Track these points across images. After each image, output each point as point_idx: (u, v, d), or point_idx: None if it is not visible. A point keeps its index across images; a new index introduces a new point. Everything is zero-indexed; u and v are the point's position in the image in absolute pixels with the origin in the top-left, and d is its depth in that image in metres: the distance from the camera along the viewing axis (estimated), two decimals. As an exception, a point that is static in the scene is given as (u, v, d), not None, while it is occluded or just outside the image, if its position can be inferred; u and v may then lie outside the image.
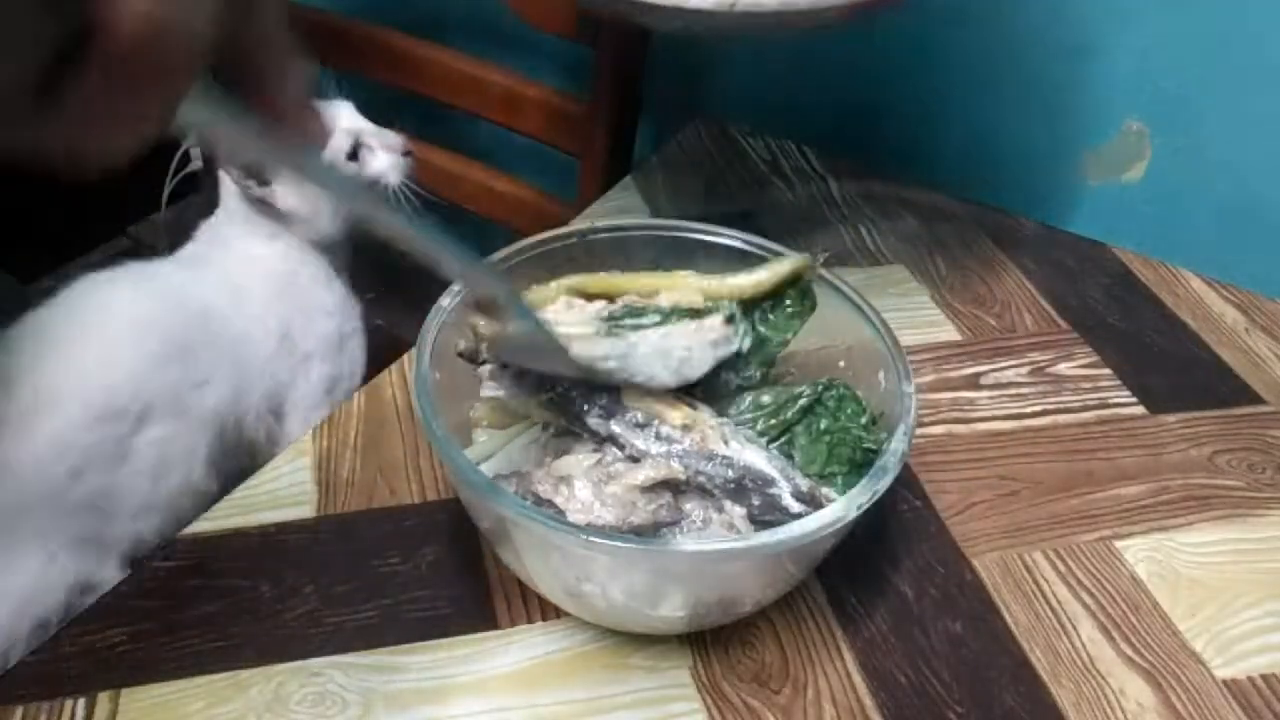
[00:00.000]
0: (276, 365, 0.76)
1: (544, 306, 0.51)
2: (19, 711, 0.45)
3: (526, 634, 0.49)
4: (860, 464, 0.48)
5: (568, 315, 0.49)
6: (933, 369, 0.66)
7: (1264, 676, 0.49)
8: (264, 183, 0.76)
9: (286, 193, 0.76)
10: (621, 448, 0.46)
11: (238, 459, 0.74)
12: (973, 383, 0.66)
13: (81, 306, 0.70)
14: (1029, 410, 0.64)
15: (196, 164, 1.47)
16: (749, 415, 0.50)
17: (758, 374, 0.52)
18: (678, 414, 0.46)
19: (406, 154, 0.79)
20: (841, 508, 0.42)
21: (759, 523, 0.45)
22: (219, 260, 0.77)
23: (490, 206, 0.98)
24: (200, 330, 0.72)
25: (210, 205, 0.82)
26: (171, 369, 0.69)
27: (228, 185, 0.78)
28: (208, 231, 0.80)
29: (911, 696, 0.48)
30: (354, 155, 0.78)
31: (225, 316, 0.74)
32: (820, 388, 0.51)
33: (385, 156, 0.79)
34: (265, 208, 0.77)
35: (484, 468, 0.47)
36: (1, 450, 0.63)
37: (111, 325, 0.69)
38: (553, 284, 0.52)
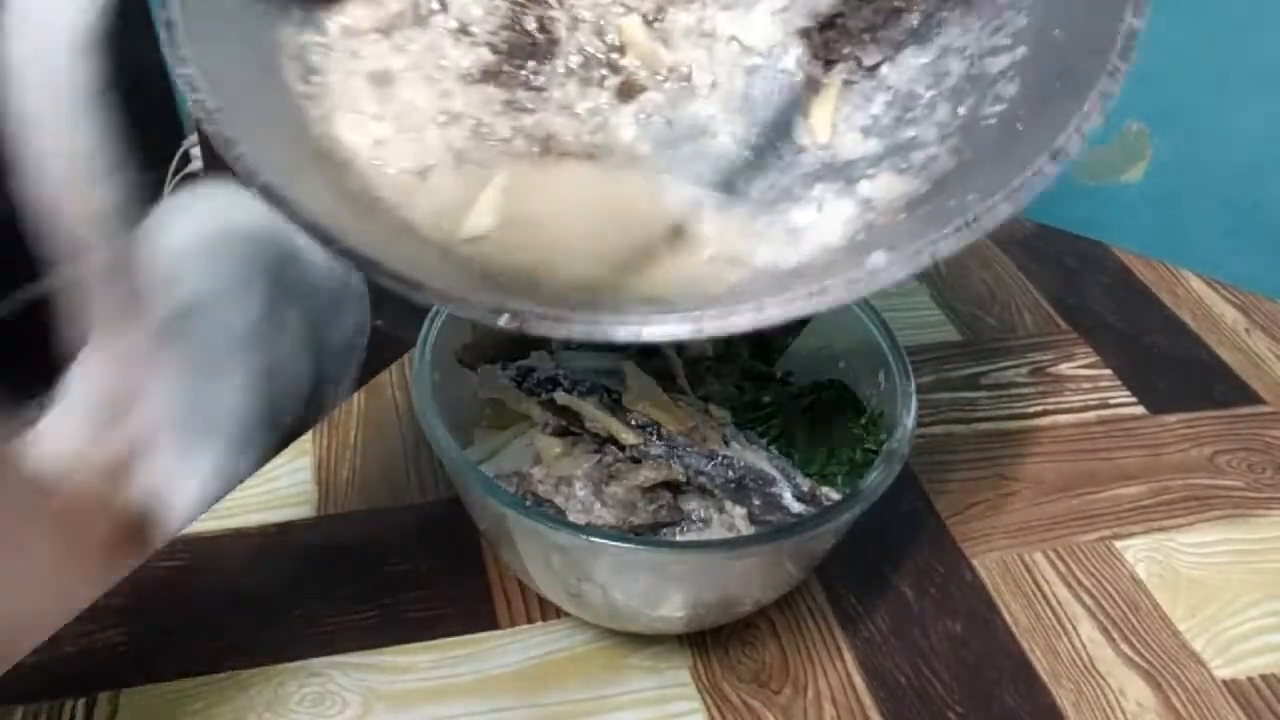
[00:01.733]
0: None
1: None
2: (19, 711, 0.45)
3: (526, 634, 0.49)
4: (860, 464, 0.48)
5: None
6: (933, 369, 0.66)
7: (1264, 676, 0.49)
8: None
9: None
10: (622, 448, 0.46)
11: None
12: (973, 383, 0.66)
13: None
14: (1029, 410, 0.64)
15: (196, 164, 1.47)
16: (749, 415, 0.50)
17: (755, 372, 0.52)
18: (675, 421, 0.46)
19: None
20: (841, 508, 0.42)
21: (759, 523, 0.45)
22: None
23: (490, 206, 0.98)
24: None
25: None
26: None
27: None
28: None
29: (911, 696, 0.48)
30: None
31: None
32: (820, 388, 0.51)
33: None
34: None
35: (484, 468, 0.47)
36: None
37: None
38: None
